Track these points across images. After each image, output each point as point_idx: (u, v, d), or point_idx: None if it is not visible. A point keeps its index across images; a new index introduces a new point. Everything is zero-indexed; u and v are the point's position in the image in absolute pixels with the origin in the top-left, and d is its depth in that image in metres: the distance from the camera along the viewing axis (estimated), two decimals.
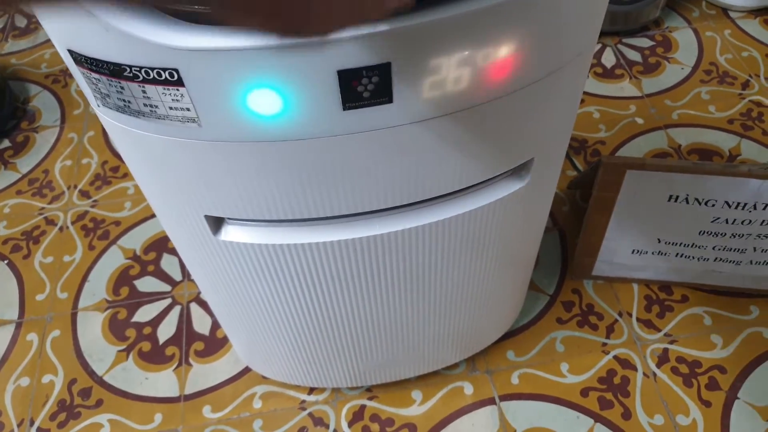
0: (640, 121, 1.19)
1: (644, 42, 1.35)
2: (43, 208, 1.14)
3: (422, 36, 0.38)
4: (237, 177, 0.48)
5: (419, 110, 0.44)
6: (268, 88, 0.40)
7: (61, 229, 1.11)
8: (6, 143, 1.25)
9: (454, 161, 0.50)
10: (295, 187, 0.49)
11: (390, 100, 0.42)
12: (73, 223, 1.11)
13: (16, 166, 1.21)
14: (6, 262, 1.07)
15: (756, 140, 1.14)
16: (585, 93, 1.25)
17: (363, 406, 0.88)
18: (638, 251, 0.90)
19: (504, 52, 0.41)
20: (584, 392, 0.87)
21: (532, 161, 0.55)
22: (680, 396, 0.86)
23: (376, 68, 0.40)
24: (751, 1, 1.37)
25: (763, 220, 0.81)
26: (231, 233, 0.56)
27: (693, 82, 1.25)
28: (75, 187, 1.17)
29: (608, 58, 1.32)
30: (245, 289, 0.64)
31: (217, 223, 0.56)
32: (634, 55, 1.32)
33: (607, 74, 1.28)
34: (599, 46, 1.34)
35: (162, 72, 0.39)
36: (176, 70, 0.39)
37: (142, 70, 0.39)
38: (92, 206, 1.14)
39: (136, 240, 1.08)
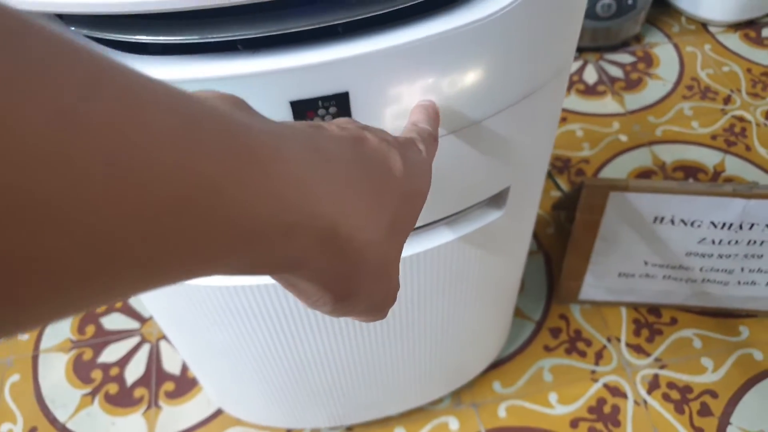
0: (623, 138, 1.17)
1: (626, 58, 1.33)
2: None
3: (381, 63, 0.35)
4: None
5: None
6: None
7: None
8: None
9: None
10: None
11: None
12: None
13: None
14: None
15: (739, 156, 1.12)
16: (567, 111, 1.23)
17: None
18: (625, 274, 0.87)
19: (470, 78, 0.38)
20: (574, 423, 0.83)
21: (509, 190, 0.52)
22: (672, 423, 0.82)
23: (333, 98, 0.36)
24: (731, 16, 1.36)
25: (750, 240, 0.79)
26: None
27: (675, 98, 1.24)
28: None
29: (590, 75, 1.30)
30: (211, 332, 0.60)
31: None
32: (616, 72, 1.30)
33: (590, 91, 1.26)
34: (581, 62, 1.33)
35: None
36: None
37: None
38: None
39: None
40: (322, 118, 0.37)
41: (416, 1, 0.34)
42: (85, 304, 0.14)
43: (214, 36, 0.33)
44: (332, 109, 0.37)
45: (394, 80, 0.36)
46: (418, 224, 0.50)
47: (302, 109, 0.36)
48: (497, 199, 0.54)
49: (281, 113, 0.36)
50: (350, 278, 0.23)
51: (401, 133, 0.31)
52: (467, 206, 0.51)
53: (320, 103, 0.36)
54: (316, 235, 0.20)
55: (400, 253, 0.27)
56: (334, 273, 0.22)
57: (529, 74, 0.42)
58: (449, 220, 0.52)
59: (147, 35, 0.33)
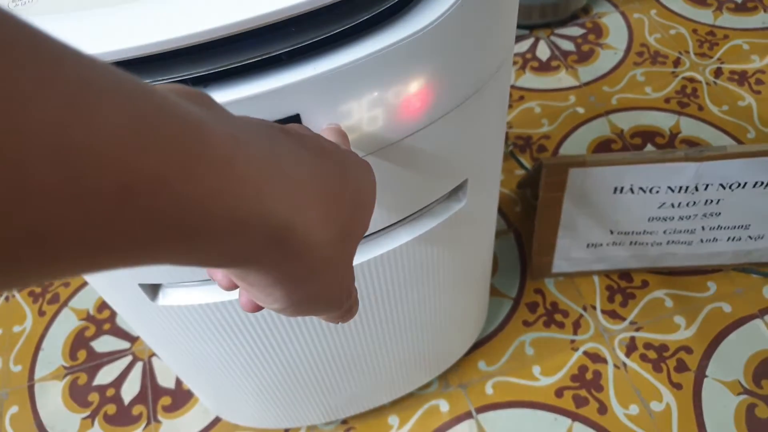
0: (581, 110, 1.20)
1: (576, 31, 1.36)
2: None
3: (327, 84, 0.37)
4: None
5: None
6: None
7: (6, 298, 1.06)
8: None
9: (386, 196, 0.49)
10: None
11: None
12: (18, 290, 1.07)
13: None
14: None
15: (693, 116, 1.16)
16: (524, 89, 1.25)
17: None
18: (593, 245, 0.91)
19: (413, 87, 0.40)
20: (559, 393, 0.87)
21: (467, 182, 0.55)
22: (651, 382, 0.86)
23: (286, 121, 0.38)
24: None
25: (707, 200, 0.82)
26: (170, 297, 0.54)
27: (627, 66, 1.27)
28: None
29: (543, 51, 1.33)
30: (197, 347, 0.62)
31: (153, 290, 0.54)
32: (568, 45, 1.33)
33: (544, 67, 1.29)
34: (533, 39, 1.35)
35: None
36: None
37: None
38: None
39: (87, 299, 1.05)
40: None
41: (351, 25, 0.36)
42: (31, 281, 0.15)
43: (163, 77, 0.35)
44: None
45: (341, 98, 0.39)
46: (383, 225, 0.52)
47: None
48: (457, 191, 0.56)
49: None
50: (301, 277, 0.24)
51: None
52: (428, 203, 0.53)
53: None
54: (268, 234, 0.20)
55: (352, 257, 0.28)
56: (286, 271, 0.23)
57: (470, 75, 0.44)
58: (412, 217, 0.55)
59: None
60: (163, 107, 0.16)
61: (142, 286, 0.52)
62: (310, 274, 0.24)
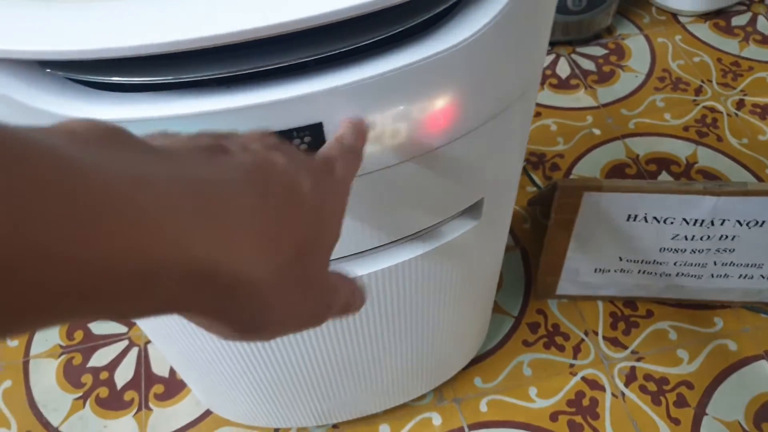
0: (597, 131, 1.19)
1: (597, 50, 1.35)
2: None
3: (352, 94, 0.36)
4: None
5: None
6: None
7: None
8: None
9: (400, 211, 0.48)
10: None
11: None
12: None
13: None
14: None
15: (711, 147, 1.15)
16: (541, 105, 1.24)
17: None
18: (601, 270, 0.90)
19: (439, 104, 0.39)
20: (553, 416, 0.86)
21: (483, 201, 0.54)
22: (649, 415, 0.85)
23: (307, 129, 0.37)
24: (700, 6, 1.38)
25: (721, 235, 0.81)
26: None
27: (647, 90, 1.26)
28: None
29: (563, 69, 1.32)
30: (195, 342, 0.61)
31: None
32: (588, 65, 1.32)
33: (562, 85, 1.28)
34: (553, 56, 1.34)
35: None
36: None
37: None
38: None
39: None
40: (297, 147, 0.38)
41: (381, 37, 0.35)
42: None
43: (189, 76, 0.34)
44: (307, 139, 0.38)
45: (365, 109, 0.38)
46: (396, 237, 0.51)
47: None
48: (472, 210, 0.56)
49: None
50: (249, 313, 0.22)
51: (323, 148, 0.31)
52: (443, 219, 0.53)
53: (295, 133, 0.38)
54: (188, 279, 0.19)
55: (325, 268, 0.27)
56: (227, 311, 0.22)
57: (496, 97, 0.43)
58: (425, 231, 0.54)
59: (123, 76, 0.34)
60: (43, 165, 0.15)
61: None
62: (259, 305, 0.22)
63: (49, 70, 0.34)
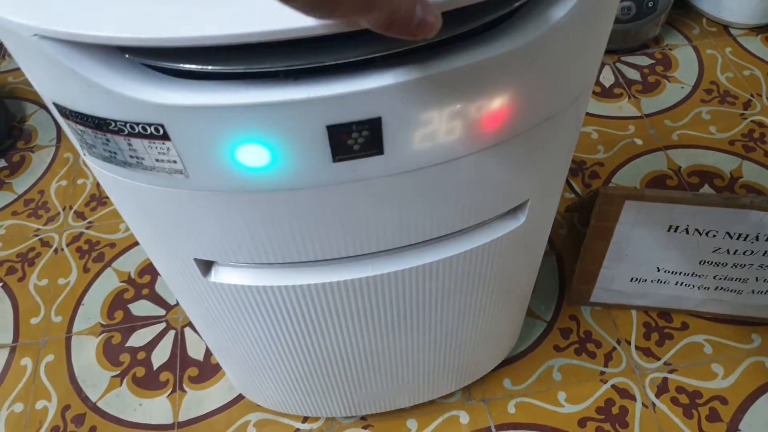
0: (639, 141, 1.18)
1: (643, 60, 1.34)
2: (38, 230, 1.13)
3: (412, 91, 0.37)
4: (226, 224, 0.47)
5: (410, 161, 0.43)
6: (256, 143, 0.39)
7: (56, 251, 1.10)
8: (2, 163, 1.25)
9: (446, 208, 0.49)
10: (285, 234, 0.48)
11: (381, 152, 0.41)
12: (68, 244, 1.11)
13: (12, 186, 1.20)
14: (1, 284, 1.06)
15: (757, 162, 1.13)
16: None
17: None
18: (637, 279, 0.89)
19: (496, 104, 0.40)
20: (582, 422, 0.86)
21: (527, 202, 0.54)
22: (680, 427, 0.85)
23: (367, 123, 0.39)
24: (753, 18, 1.36)
25: (766, 251, 0.80)
26: (221, 275, 0.55)
27: (693, 102, 1.24)
28: (70, 208, 1.16)
29: (607, 77, 1.31)
30: (236, 326, 0.63)
31: (207, 266, 0.55)
32: (633, 74, 1.31)
33: (606, 93, 1.27)
34: None
35: (147, 127, 0.38)
36: (162, 126, 0.38)
37: (127, 125, 0.38)
38: (87, 228, 1.13)
39: (130, 262, 1.07)
40: (356, 140, 0.40)
41: (445, 37, 0.36)
42: None
43: (258, 66, 0.35)
44: (365, 133, 0.39)
45: (424, 106, 0.39)
46: (439, 233, 0.52)
47: (337, 132, 0.39)
48: (516, 211, 0.56)
49: (318, 136, 0.39)
50: None
51: None
52: (487, 218, 0.53)
53: (354, 127, 0.39)
54: None
55: None
56: None
57: (551, 100, 0.44)
58: (469, 230, 0.55)
59: (196, 64, 0.36)
60: None
61: (197, 261, 0.53)
62: None
63: (127, 56, 0.36)
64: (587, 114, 1.23)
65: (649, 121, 1.22)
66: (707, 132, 1.19)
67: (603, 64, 1.33)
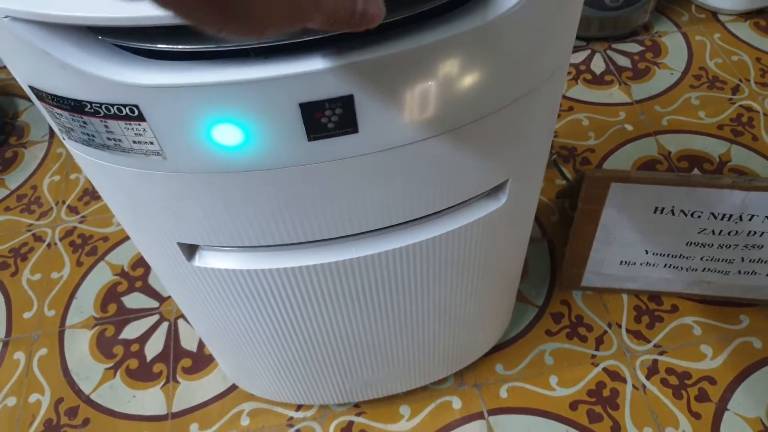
0: (629, 127, 1.18)
1: (634, 47, 1.34)
2: (31, 225, 1.14)
3: (383, 68, 0.38)
4: (206, 206, 0.48)
5: (386, 139, 0.43)
6: (230, 123, 0.40)
7: (48, 245, 1.10)
8: None
9: (426, 187, 0.49)
10: (266, 216, 0.48)
11: (355, 130, 0.42)
12: (61, 239, 1.11)
13: (5, 182, 1.21)
14: None
15: (746, 146, 1.14)
16: (574, 100, 1.24)
17: (351, 422, 0.87)
18: (626, 262, 0.90)
19: (467, 81, 0.41)
20: (573, 405, 0.86)
21: (507, 182, 0.55)
22: (670, 408, 0.85)
23: (339, 100, 0.39)
24: (741, 5, 1.36)
25: (750, 231, 0.81)
26: (205, 259, 0.55)
27: (683, 88, 1.25)
28: (63, 202, 1.16)
29: (597, 65, 1.31)
30: (224, 312, 0.63)
31: (191, 250, 0.55)
32: (624, 61, 1.31)
33: (597, 81, 1.28)
34: (588, 52, 1.34)
35: (122, 108, 0.39)
36: (136, 106, 0.38)
37: (103, 106, 0.39)
38: (80, 222, 1.13)
39: (123, 256, 1.08)
40: (329, 118, 0.40)
41: (413, 13, 0.36)
42: None
43: (229, 45, 0.36)
44: (338, 110, 0.40)
45: (396, 83, 0.39)
46: (420, 214, 0.53)
47: (310, 110, 0.39)
48: (497, 191, 0.57)
49: (292, 114, 0.39)
50: None
51: None
52: (468, 198, 0.54)
53: (327, 104, 0.39)
54: None
55: None
56: None
57: (524, 76, 0.44)
58: (450, 210, 0.55)
59: (167, 44, 0.36)
60: None
61: (181, 245, 0.53)
62: None
63: (100, 37, 0.37)
64: (578, 101, 1.24)
65: (639, 107, 1.22)
66: (696, 117, 1.19)
67: (593, 52, 1.34)
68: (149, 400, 0.91)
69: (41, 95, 0.40)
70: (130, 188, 0.47)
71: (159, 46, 0.36)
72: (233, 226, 0.50)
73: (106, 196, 0.52)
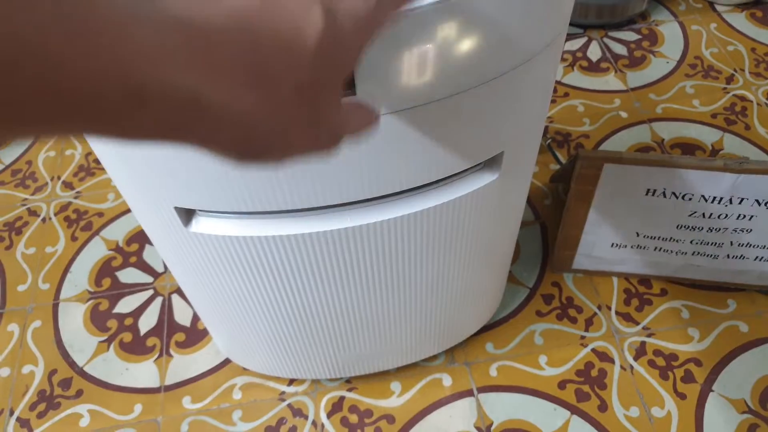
0: (624, 114, 1.19)
1: (630, 35, 1.35)
2: (26, 199, 1.14)
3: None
4: (203, 168, 0.48)
5: (384, 103, 0.44)
6: None
7: (43, 220, 1.11)
8: None
9: (421, 155, 0.50)
10: (263, 180, 0.49)
11: (353, 93, 0.42)
12: (56, 214, 1.11)
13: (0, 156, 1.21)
14: None
15: (738, 134, 1.15)
16: (570, 86, 1.25)
17: (342, 398, 0.88)
18: (617, 245, 0.91)
19: (465, 46, 0.41)
20: (562, 384, 0.88)
21: (502, 155, 0.56)
22: (656, 388, 0.86)
23: None
24: None
25: (739, 214, 0.82)
26: (202, 225, 0.56)
27: (678, 76, 1.26)
28: (58, 178, 1.16)
29: (594, 52, 1.32)
30: (220, 281, 0.64)
31: (188, 215, 0.56)
32: (620, 49, 1.32)
33: (593, 68, 1.28)
34: (585, 39, 1.34)
35: None
36: None
37: None
38: (75, 197, 1.13)
39: (118, 231, 1.08)
40: None
41: None
42: None
43: None
44: None
45: (392, 46, 0.40)
46: (414, 184, 0.53)
47: None
48: (491, 164, 0.57)
49: None
50: (243, 140, 0.24)
51: None
52: (461, 170, 0.54)
53: None
54: (176, 104, 0.21)
55: (335, 104, 0.26)
56: (218, 138, 0.23)
57: (521, 44, 0.45)
58: (447, 181, 0.56)
59: None
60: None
61: (177, 209, 0.54)
62: (252, 134, 0.24)
63: None
64: (574, 88, 1.24)
65: (634, 94, 1.23)
66: (690, 105, 1.20)
67: (590, 39, 1.34)
68: (142, 372, 0.92)
69: None
70: (127, 149, 0.48)
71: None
72: (230, 190, 0.50)
73: (102, 158, 0.53)
